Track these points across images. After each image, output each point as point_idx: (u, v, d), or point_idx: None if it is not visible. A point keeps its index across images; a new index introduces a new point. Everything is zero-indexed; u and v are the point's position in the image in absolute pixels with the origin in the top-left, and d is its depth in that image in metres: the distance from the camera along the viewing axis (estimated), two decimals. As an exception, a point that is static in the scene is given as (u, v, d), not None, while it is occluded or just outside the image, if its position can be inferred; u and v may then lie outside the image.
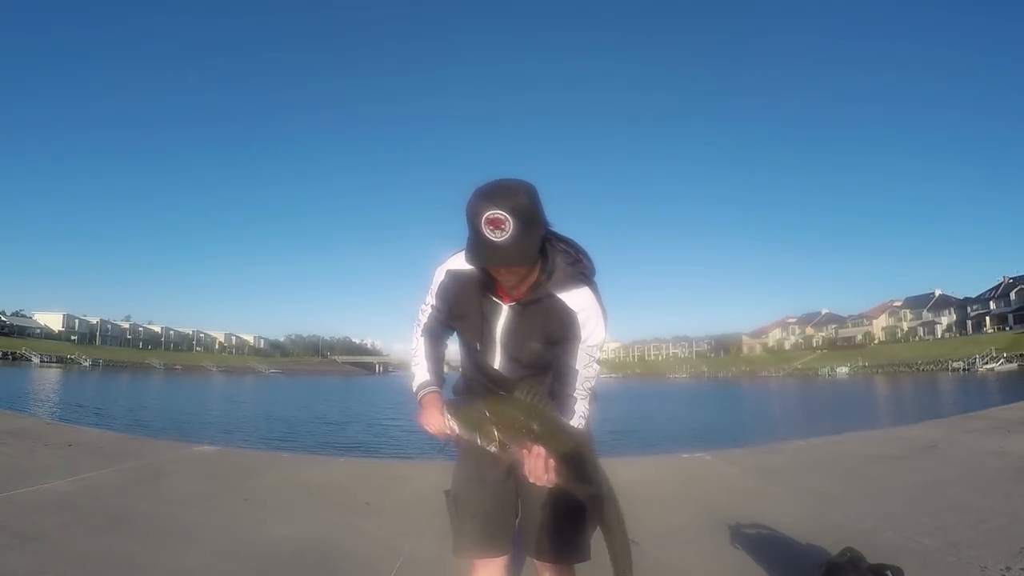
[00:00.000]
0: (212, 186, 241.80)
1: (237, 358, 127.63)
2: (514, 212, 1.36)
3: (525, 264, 1.47)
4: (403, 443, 13.01)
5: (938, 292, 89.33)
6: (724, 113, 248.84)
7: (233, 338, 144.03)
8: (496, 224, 1.35)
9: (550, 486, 1.43)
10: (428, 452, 7.85)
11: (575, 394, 1.60)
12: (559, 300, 1.57)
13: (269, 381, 66.01)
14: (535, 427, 1.44)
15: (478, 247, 1.41)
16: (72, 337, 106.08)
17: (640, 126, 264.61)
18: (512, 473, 1.69)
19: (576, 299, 1.57)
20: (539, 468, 1.39)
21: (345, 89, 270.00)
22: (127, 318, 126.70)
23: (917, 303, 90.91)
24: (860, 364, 76.26)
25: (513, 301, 1.61)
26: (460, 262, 1.59)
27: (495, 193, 1.38)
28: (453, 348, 1.89)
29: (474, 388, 1.77)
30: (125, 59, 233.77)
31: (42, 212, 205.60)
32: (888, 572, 2.03)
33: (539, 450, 1.39)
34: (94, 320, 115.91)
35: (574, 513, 1.62)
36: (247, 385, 51.60)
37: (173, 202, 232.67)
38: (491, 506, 1.73)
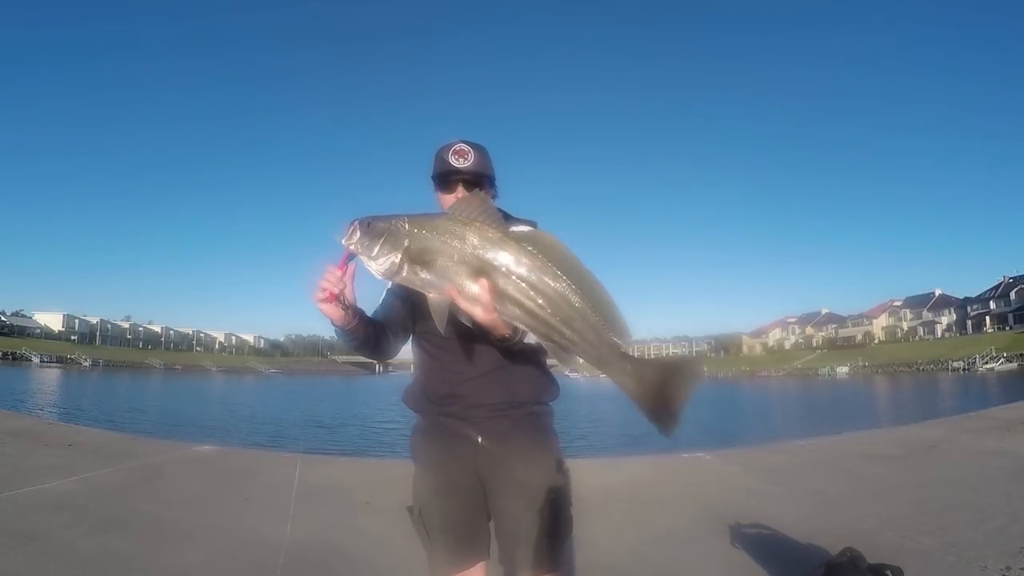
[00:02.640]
0: (212, 186, 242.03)
1: (237, 358, 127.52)
2: (475, 147, 1.64)
3: (484, 176, 1.64)
4: (402, 443, 12.99)
5: (938, 292, 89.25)
6: (723, 112, 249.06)
7: (233, 338, 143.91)
8: (460, 154, 1.61)
9: (487, 322, 1.28)
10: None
11: None
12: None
13: (269, 381, 65.98)
14: (481, 253, 1.25)
15: (444, 165, 1.62)
16: (72, 337, 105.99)
17: (640, 126, 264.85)
18: (480, 477, 1.60)
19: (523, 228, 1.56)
20: (477, 302, 1.25)
21: (345, 89, 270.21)
22: (127, 318, 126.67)
23: (917, 303, 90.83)
24: (860, 364, 76.16)
25: None
26: None
27: (461, 140, 1.65)
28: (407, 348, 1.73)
29: (431, 390, 1.64)
30: (124, 59, 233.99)
31: (42, 212, 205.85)
32: (888, 572, 2.03)
33: (484, 283, 1.25)
34: (94, 320, 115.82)
35: (551, 519, 1.56)
36: (247, 385, 51.58)
37: (173, 202, 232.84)
38: (462, 516, 1.61)
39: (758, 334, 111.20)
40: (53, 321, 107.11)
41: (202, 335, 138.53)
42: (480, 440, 1.58)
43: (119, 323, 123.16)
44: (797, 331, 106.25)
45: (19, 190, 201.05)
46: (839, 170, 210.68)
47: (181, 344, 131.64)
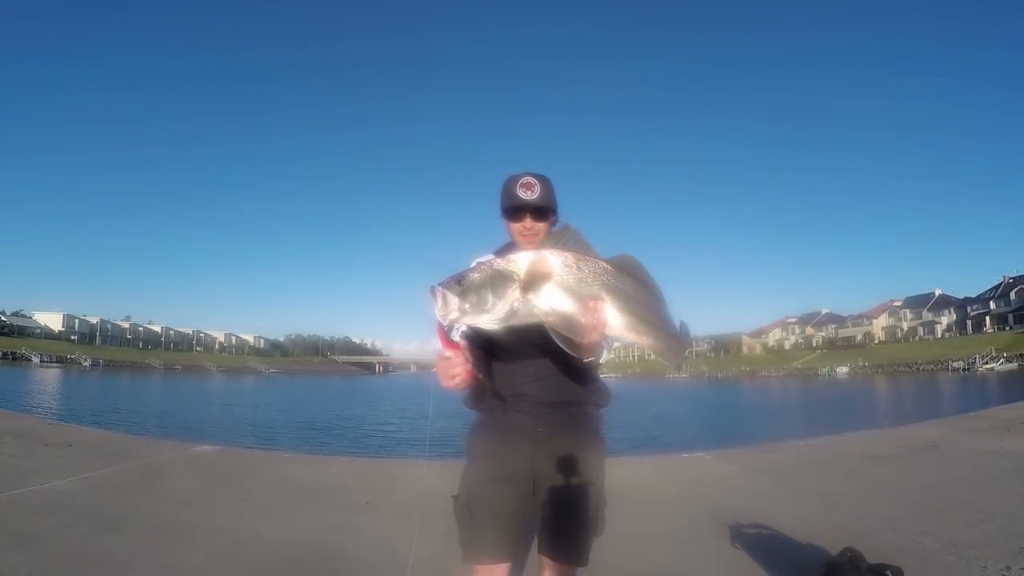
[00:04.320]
0: (212, 186, 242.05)
1: (237, 358, 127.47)
2: (540, 180, 1.73)
3: (549, 208, 1.73)
4: (403, 443, 13.01)
5: (938, 292, 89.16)
6: (724, 113, 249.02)
7: (233, 338, 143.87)
8: (527, 186, 1.70)
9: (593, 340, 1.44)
10: (427, 452, 7.88)
11: None
12: None
13: (269, 381, 65.96)
14: (592, 278, 1.42)
15: (514, 198, 1.70)
16: (72, 337, 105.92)
17: (642, 127, 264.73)
18: (534, 468, 1.67)
19: None
20: (594, 323, 1.41)
21: (345, 89, 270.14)
22: (127, 318, 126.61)
23: (917, 303, 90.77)
24: (860, 364, 76.09)
25: None
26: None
27: (527, 172, 1.75)
28: None
29: (499, 390, 1.70)
30: (125, 60, 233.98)
31: (42, 212, 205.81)
32: (888, 572, 2.03)
33: (597, 304, 1.41)
34: (94, 320, 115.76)
35: (589, 515, 1.67)
36: (246, 385, 51.56)
37: (173, 202, 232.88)
38: (511, 507, 1.65)
39: (758, 334, 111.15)
40: (53, 321, 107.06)
41: (202, 335, 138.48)
42: (540, 432, 1.68)
43: (119, 323, 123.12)
44: (797, 331, 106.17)
45: (19, 190, 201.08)
46: (839, 170, 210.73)
47: (181, 344, 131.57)
